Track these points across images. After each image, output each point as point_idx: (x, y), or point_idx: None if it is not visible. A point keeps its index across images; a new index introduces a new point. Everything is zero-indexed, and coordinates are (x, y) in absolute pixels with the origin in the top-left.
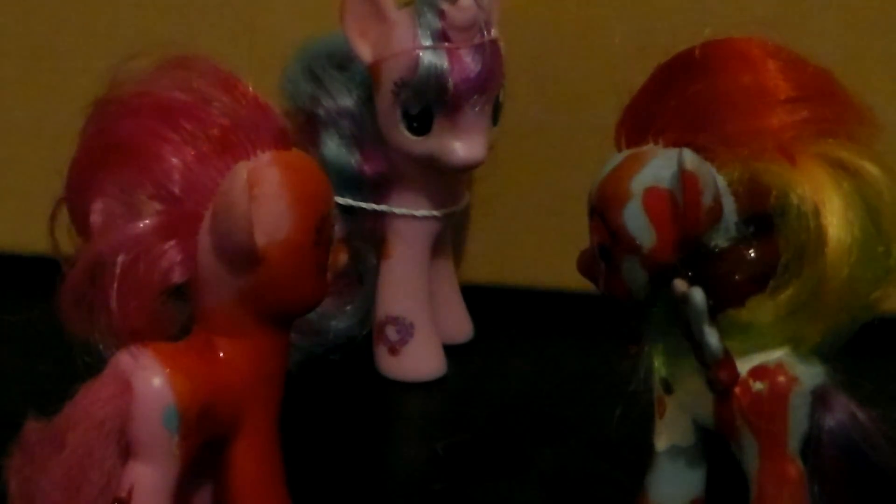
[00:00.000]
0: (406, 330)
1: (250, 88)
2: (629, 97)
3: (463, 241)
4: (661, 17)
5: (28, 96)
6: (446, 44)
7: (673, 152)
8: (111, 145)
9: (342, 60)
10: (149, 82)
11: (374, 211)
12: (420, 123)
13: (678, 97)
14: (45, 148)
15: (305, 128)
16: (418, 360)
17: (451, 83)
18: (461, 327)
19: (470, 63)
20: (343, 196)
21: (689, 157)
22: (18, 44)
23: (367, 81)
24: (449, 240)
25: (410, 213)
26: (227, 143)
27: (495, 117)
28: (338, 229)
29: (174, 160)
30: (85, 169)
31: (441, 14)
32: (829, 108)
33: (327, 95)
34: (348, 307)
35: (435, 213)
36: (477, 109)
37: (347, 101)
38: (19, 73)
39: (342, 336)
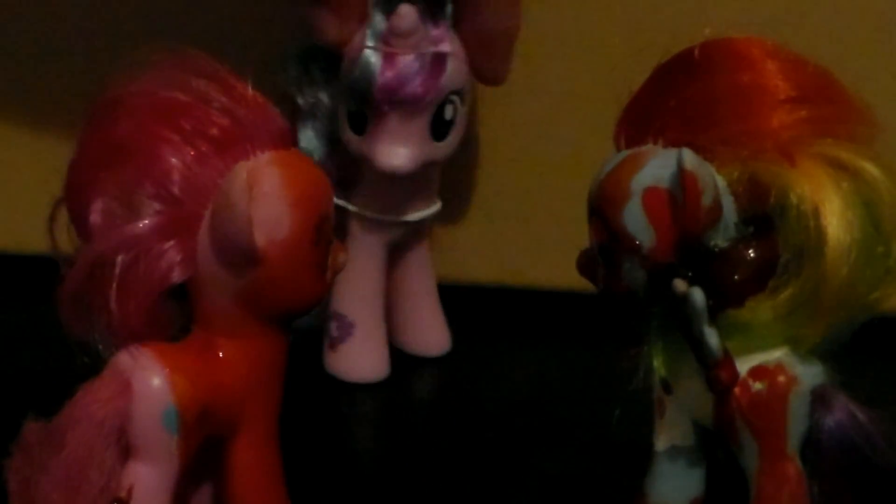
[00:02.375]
0: (345, 328)
1: (249, 88)
2: (629, 97)
3: (462, 241)
4: (661, 17)
5: (28, 96)
6: (385, 47)
7: (672, 152)
8: (111, 145)
9: (328, 53)
10: (148, 82)
11: (337, 206)
12: (357, 122)
13: (677, 97)
14: (45, 148)
15: (290, 115)
16: (353, 360)
17: (375, 86)
18: (436, 339)
19: (401, 71)
20: None
21: (689, 157)
22: (18, 44)
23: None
24: (424, 249)
25: (362, 213)
26: (226, 143)
27: (439, 132)
28: None
29: (174, 160)
30: (84, 169)
31: (387, 17)
32: (828, 107)
33: (308, 86)
34: None
35: (384, 218)
36: (405, 119)
37: (324, 95)
38: (19, 72)
39: (302, 328)
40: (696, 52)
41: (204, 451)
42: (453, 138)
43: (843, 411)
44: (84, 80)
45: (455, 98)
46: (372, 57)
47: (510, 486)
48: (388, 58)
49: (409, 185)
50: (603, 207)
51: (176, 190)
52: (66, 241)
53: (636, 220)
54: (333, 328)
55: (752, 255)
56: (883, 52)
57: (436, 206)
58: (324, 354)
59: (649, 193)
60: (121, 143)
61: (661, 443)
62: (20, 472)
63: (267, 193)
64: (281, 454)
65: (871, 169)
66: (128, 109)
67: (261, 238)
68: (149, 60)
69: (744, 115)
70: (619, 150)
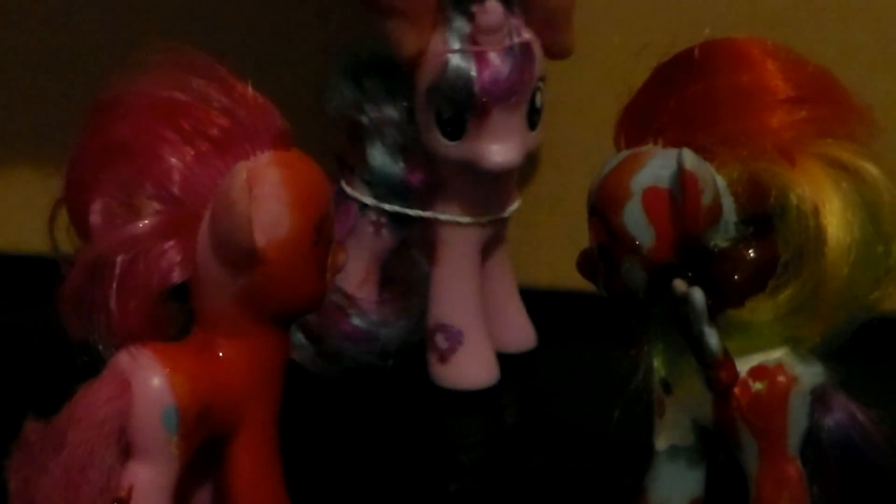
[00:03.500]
0: (455, 338)
1: (249, 88)
2: (629, 97)
3: None
4: (661, 17)
5: (28, 96)
6: (474, 47)
7: (672, 152)
8: (110, 145)
9: (386, 67)
10: (148, 82)
11: (423, 218)
12: (453, 128)
13: (677, 97)
14: (45, 148)
15: (351, 135)
16: (468, 368)
17: (477, 87)
18: (521, 335)
19: (498, 66)
20: (392, 203)
21: (689, 157)
22: (18, 44)
23: (410, 89)
24: (504, 246)
25: (455, 220)
26: (226, 143)
27: (533, 121)
28: (388, 236)
29: (173, 160)
30: (84, 169)
31: (470, 17)
32: (828, 108)
33: (371, 104)
34: (402, 314)
35: (480, 219)
36: (507, 113)
37: (391, 109)
38: (19, 72)
39: (395, 343)
40: (696, 52)
41: (204, 451)
42: (541, 125)
43: (843, 411)
44: (84, 81)
45: (541, 84)
46: (461, 59)
47: (510, 485)
48: (480, 56)
49: (503, 181)
50: (603, 207)
51: (176, 190)
52: (66, 241)
53: (636, 220)
54: (441, 340)
55: (752, 255)
56: (883, 52)
57: (518, 200)
58: (430, 368)
59: (649, 193)
60: (121, 143)
61: (661, 443)
62: (20, 472)
63: (267, 194)
64: (280, 454)
65: (871, 169)
66: (128, 109)
67: (260, 238)
68: (149, 60)
69: (744, 115)
70: (619, 150)
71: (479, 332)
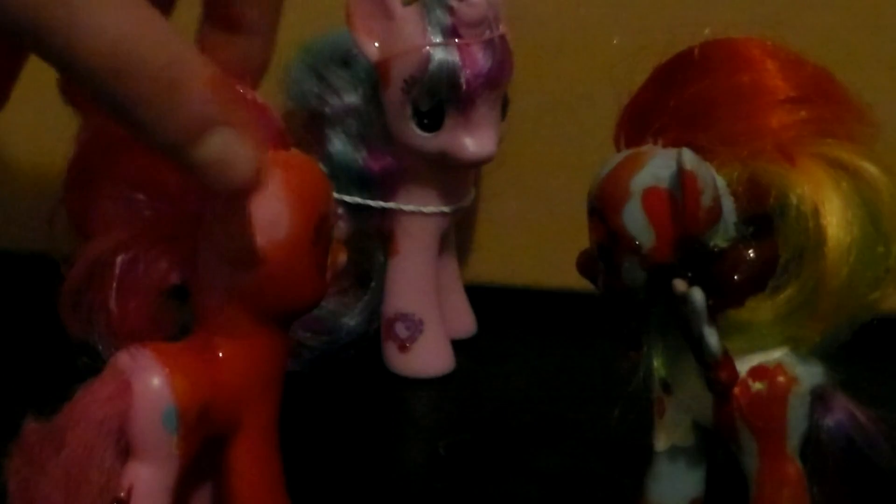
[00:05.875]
0: (416, 326)
1: (249, 89)
2: (629, 97)
3: (461, 241)
4: (661, 17)
5: (27, 96)
6: (457, 40)
7: (672, 152)
8: (110, 145)
9: (346, 58)
10: None
11: (382, 208)
12: (431, 120)
13: (677, 97)
14: (45, 148)
15: (310, 127)
16: (428, 356)
17: (463, 79)
18: (464, 323)
19: (481, 58)
20: (350, 194)
21: (689, 157)
22: None
23: (372, 78)
24: (453, 235)
25: (419, 209)
26: None
27: (503, 112)
28: (344, 227)
29: None
30: (84, 169)
31: (450, 10)
32: (828, 107)
33: (333, 94)
34: (358, 305)
35: (443, 208)
36: (488, 105)
37: (353, 98)
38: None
39: (353, 334)
40: (696, 52)
41: (204, 451)
42: (507, 116)
43: (843, 411)
44: None
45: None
46: (444, 52)
47: (510, 485)
48: (463, 49)
49: (469, 171)
50: (603, 207)
51: (175, 190)
52: (66, 241)
53: (636, 220)
54: (401, 329)
55: (752, 255)
56: (883, 52)
57: (474, 189)
58: (388, 357)
59: (649, 193)
60: (121, 142)
61: (661, 443)
62: (20, 472)
63: (266, 194)
64: (280, 454)
65: (870, 169)
66: None
67: (260, 238)
68: None
69: (744, 115)
70: (619, 150)
71: (437, 320)
